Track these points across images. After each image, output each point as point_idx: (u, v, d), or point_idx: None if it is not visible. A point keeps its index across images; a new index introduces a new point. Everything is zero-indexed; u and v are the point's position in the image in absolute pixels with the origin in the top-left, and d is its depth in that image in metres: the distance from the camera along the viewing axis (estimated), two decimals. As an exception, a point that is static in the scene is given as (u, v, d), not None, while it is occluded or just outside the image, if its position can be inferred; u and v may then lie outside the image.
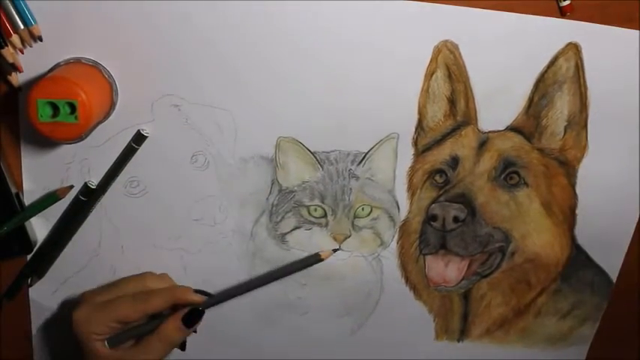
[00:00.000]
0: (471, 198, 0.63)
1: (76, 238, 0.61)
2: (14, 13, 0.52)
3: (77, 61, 0.54)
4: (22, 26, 0.52)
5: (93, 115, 0.50)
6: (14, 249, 0.59)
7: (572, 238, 0.66)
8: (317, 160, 0.61)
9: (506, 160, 0.63)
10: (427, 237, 0.64)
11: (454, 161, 0.62)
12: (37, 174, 0.59)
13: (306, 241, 0.63)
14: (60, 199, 0.58)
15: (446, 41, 0.58)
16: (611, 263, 0.68)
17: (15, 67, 0.53)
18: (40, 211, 0.59)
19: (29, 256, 0.61)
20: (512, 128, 0.62)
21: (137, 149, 0.58)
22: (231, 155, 0.60)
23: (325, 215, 0.63)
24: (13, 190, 0.58)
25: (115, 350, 0.58)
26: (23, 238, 0.59)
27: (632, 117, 0.62)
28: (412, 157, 0.62)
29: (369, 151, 0.61)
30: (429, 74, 0.59)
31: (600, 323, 0.71)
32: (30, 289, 0.63)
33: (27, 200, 0.59)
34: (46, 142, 0.57)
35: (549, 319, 0.70)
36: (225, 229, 0.63)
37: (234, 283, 0.64)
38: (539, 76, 0.60)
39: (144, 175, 0.60)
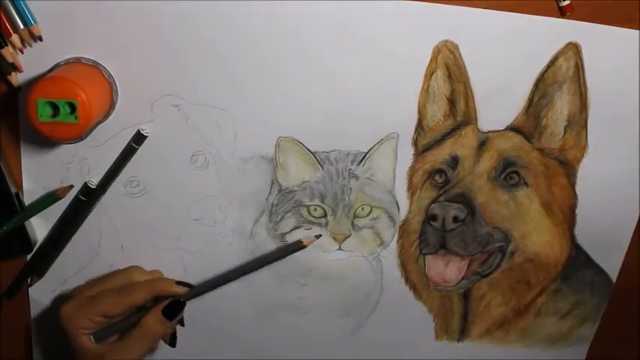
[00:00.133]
0: (470, 198, 0.63)
1: (75, 238, 0.61)
2: (14, 13, 0.52)
3: (77, 61, 0.54)
4: (22, 26, 0.52)
5: (93, 115, 0.50)
6: (14, 249, 0.59)
7: (572, 238, 0.66)
8: (317, 160, 0.61)
9: (506, 160, 0.63)
10: (427, 237, 0.64)
11: (454, 161, 0.62)
12: (37, 174, 0.59)
13: (306, 240, 0.63)
14: (60, 198, 0.58)
15: (446, 41, 0.58)
16: (611, 263, 0.68)
17: (15, 67, 0.53)
18: (40, 211, 0.59)
19: (29, 256, 0.61)
20: (512, 128, 0.62)
21: (137, 149, 0.58)
22: (231, 155, 0.60)
23: (325, 215, 0.63)
24: (13, 190, 0.58)
25: (101, 344, 0.57)
26: (23, 237, 0.59)
27: (632, 117, 0.62)
28: (412, 156, 0.62)
29: (368, 151, 0.61)
30: (429, 74, 0.59)
31: (600, 323, 0.71)
32: (30, 288, 0.63)
33: (27, 200, 0.59)
34: (45, 142, 0.57)
35: (549, 319, 0.70)
36: (225, 229, 0.63)
37: (234, 282, 0.64)
38: (539, 76, 0.60)
39: (144, 175, 0.60)
